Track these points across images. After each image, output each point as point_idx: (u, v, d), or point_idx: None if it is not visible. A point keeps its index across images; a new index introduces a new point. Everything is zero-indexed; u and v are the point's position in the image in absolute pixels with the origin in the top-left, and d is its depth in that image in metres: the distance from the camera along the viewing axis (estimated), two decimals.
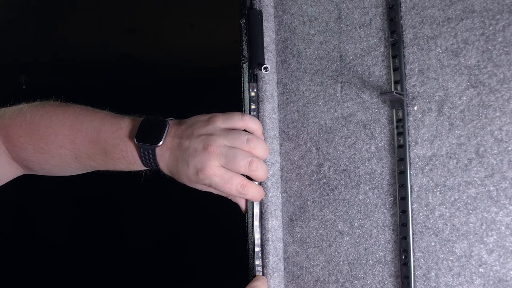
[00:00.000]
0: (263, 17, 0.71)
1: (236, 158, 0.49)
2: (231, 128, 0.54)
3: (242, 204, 0.60)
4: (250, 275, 0.67)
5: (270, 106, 0.70)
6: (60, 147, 0.53)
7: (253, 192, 0.52)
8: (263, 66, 0.59)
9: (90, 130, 0.53)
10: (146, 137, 0.50)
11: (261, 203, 0.68)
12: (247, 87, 0.68)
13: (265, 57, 0.70)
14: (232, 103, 0.69)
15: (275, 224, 0.69)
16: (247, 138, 0.51)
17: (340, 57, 0.63)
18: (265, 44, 0.70)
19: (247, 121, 0.54)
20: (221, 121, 0.54)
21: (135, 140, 0.50)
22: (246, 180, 0.51)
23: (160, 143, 0.50)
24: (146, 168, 0.55)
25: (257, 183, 0.58)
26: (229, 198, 0.58)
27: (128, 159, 0.52)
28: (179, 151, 0.50)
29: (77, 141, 0.53)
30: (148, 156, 0.51)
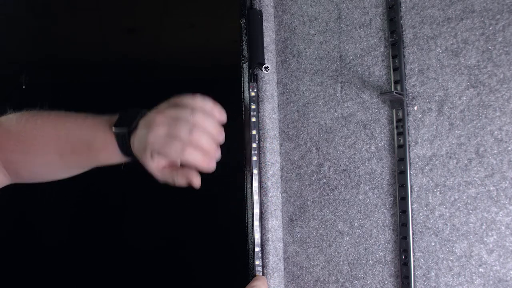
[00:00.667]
0: (263, 17, 0.71)
1: (177, 125, 0.52)
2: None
3: (195, 179, 0.56)
4: (250, 275, 0.67)
5: (270, 106, 0.70)
6: (44, 145, 0.57)
7: (195, 156, 0.52)
8: (264, 66, 0.59)
9: (73, 127, 0.57)
10: (122, 123, 0.54)
11: (261, 203, 0.68)
12: (247, 87, 0.68)
13: (265, 57, 0.70)
14: (232, 103, 0.69)
15: (275, 224, 0.69)
16: (192, 110, 0.53)
17: (340, 57, 0.63)
18: (265, 44, 0.70)
19: (196, 101, 0.55)
20: (174, 99, 0.57)
21: (113, 128, 0.53)
22: (188, 145, 0.52)
23: (132, 126, 0.53)
24: (125, 159, 0.56)
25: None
26: (183, 181, 0.56)
27: (107, 148, 0.55)
28: (139, 129, 0.54)
29: (61, 139, 0.57)
30: (123, 141, 0.54)
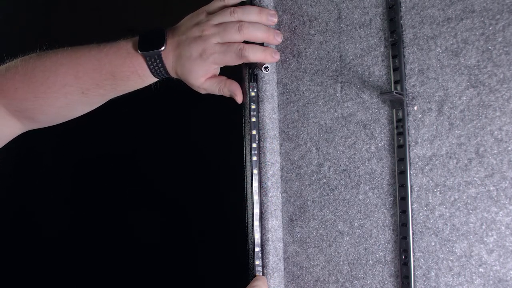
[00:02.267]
0: None
1: (227, 29, 0.54)
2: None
3: (238, 93, 0.60)
4: (250, 275, 0.67)
5: (270, 106, 0.70)
6: (63, 85, 0.53)
7: (254, 51, 0.54)
8: (264, 66, 0.60)
9: (90, 59, 0.54)
10: (150, 45, 0.53)
11: (261, 203, 0.68)
12: (247, 87, 0.68)
13: None
14: (232, 103, 0.69)
15: (275, 224, 0.69)
16: (230, 11, 0.54)
17: (340, 57, 0.63)
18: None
19: (227, 1, 0.56)
20: (205, 8, 0.57)
21: (139, 51, 0.52)
22: (243, 44, 0.53)
23: (163, 47, 0.53)
24: (155, 80, 0.56)
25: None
26: (227, 92, 0.58)
27: (137, 73, 0.53)
28: (181, 47, 0.53)
29: (80, 74, 0.53)
30: (156, 63, 0.53)
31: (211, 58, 0.52)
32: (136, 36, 0.55)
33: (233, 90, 0.57)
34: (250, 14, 0.55)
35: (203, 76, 0.54)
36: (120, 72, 0.53)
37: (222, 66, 0.55)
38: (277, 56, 0.56)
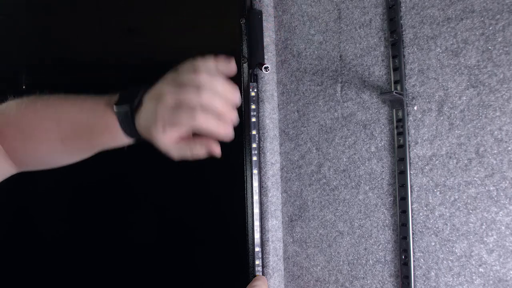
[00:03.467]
0: (263, 17, 0.71)
1: (184, 90, 0.49)
2: None
3: (210, 146, 0.52)
4: (250, 275, 0.67)
5: (270, 106, 0.70)
6: (46, 130, 0.55)
7: (209, 121, 0.49)
8: (264, 66, 0.59)
9: (74, 110, 0.55)
10: (124, 101, 0.52)
11: (261, 203, 0.68)
12: (247, 87, 0.68)
13: (265, 57, 0.70)
14: None
15: (275, 224, 0.69)
16: (195, 71, 0.50)
17: (340, 57, 0.63)
18: (265, 44, 0.70)
19: (199, 65, 0.52)
20: (178, 75, 0.54)
21: (114, 107, 0.51)
22: (199, 110, 0.49)
23: (135, 103, 0.51)
24: (130, 140, 0.54)
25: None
26: (202, 150, 0.52)
27: (110, 129, 0.53)
28: (145, 106, 0.51)
29: (62, 123, 0.55)
30: (126, 120, 0.52)
31: (160, 118, 0.49)
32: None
33: (207, 146, 0.52)
34: (217, 82, 0.52)
35: (164, 138, 0.50)
36: (96, 126, 0.54)
37: (174, 130, 0.51)
38: (229, 130, 0.53)
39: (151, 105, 0.50)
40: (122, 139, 0.54)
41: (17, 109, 0.56)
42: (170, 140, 0.50)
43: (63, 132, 0.55)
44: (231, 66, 0.52)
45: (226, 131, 0.50)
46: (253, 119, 0.68)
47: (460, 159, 0.49)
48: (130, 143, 0.56)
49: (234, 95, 0.51)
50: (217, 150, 0.52)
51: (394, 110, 0.55)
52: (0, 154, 0.56)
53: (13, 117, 0.55)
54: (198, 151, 0.51)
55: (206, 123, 0.48)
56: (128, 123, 0.52)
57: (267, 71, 0.59)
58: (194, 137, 0.52)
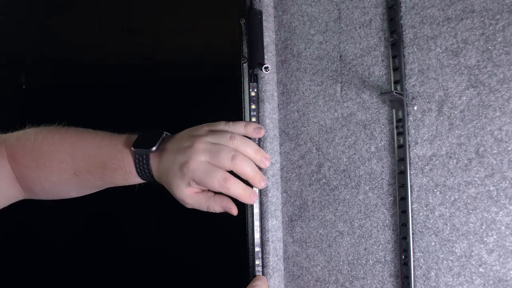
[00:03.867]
0: (263, 17, 0.71)
1: (220, 152, 0.51)
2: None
3: (232, 207, 0.56)
4: (250, 275, 0.67)
5: (270, 106, 0.70)
6: (60, 162, 0.56)
7: (236, 187, 0.51)
8: (264, 66, 0.59)
9: (91, 146, 0.56)
10: (142, 144, 0.52)
11: (261, 203, 0.68)
12: (247, 87, 0.68)
13: (265, 57, 0.70)
14: (232, 103, 0.69)
15: (275, 224, 0.69)
16: (231, 136, 0.53)
17: (340, 57, 0.63)
18: (265, 44, 0.70)
19: (232, 127, 0.55)
20: (207, 126, 0.56)
21: (132, 147, 0.52)
22: (229, 175, 0.51)
23: (154, 148, 0.52)
24: (140, 181, 0.56)
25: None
26: (219, 208, 0.55)
27: (124, 168, 0.54)
28: (169, 153, 0.53)
29: (77, 157, 0.56)
30: (142, 162, 0.53)
31: (191, 173, 0.50)
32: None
33: (225, 206, 0.54)
34: (247, 147, 0.54)
35: (185, 189, 0.52)
36: (110, 163, 0.55)
37: (200, 187, 0.52)
38: (255, 198, 0.55)
39: (178, 156, 0.50)
40: (134, 179, 0.56)
41: (35, 139, 0.56)
42: (190, 193, 0.52)
43: (76, 166, 0.55)
44: (262, 132, 0.54)
45: (252, 199, 0.53)
46: (253, 119, 0.68)
47: (460, 159, 0.49)
48: (140, 182, 0.57)
49: (265, 160, 0.53)
50: (234, 211, 0.54)
51: (394, 110, 0.55)
52: (10, 180, 0.57)
53: (29, 146, 0.56)
54: (215, 208, 0.53)
55: (234, 189, 0.51)
56: (144, 167, 0.53)
57: (267, 71, 0.60)
58: (214, 194, 0.54)
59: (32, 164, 0.56)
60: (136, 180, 0.56)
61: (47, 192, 0.59)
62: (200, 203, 0.53)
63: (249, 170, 0.52)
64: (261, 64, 0.62)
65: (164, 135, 0.55)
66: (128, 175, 0.54)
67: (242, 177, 0.53)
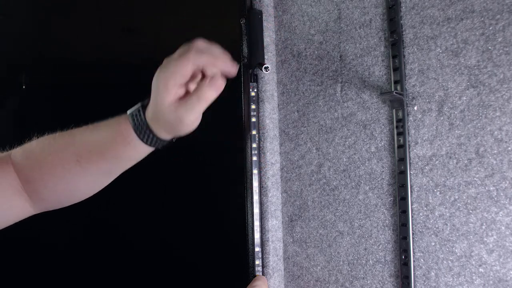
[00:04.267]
0: (263, 17, 0.71)
1: (179, 53, 0.50)
2: None
3: (231, 67, 0.52)
4: (250, 275, 0.67)
5: (270, 106, 0.70)
6: (61, 151, 0.55)
7: (205, 57, 0.49)
8: (264, 66, 0.59)
9: (88, 130, 0.56)
10: (135, 109, 0.53)
11: (261, 203, 0.68)
12: (247, 87, 0.68)
13: (265, 57, 0.70)
14: (232, 103, 0.69)
15: (275, 224, 0.69)
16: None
17: (340, 57, 0.63)
18: (265, 44, 0.70)
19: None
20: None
21: (127, 113, 0.53)
22: (195, 51, 0.50)
23: (145, 101, 0.52)
24: (144, 148, 0.54)
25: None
26: (213, 88, 0.50)
27: (122, 133, 0.53)
28: (152, 89, 0.52)
29: (76, 143, 0.55)
30: (137, 118, 0.52)
31: (160, 75, 0.49)
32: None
33: (215, 82, 0.50)
34: (211, 48, 0.53)
35: (166, 100, 0.49)
36: (109, 136, 0.54)
37: (176, 80, 0.51)
38: (234, 67, 0.52)
39: (154, 88, 0.50)
40: (138, 149, 0.54)
41: (37, 142, 0.57)
42: (174, 96, 0.49)
43: (77, 151, 0.55)
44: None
45: (228, 63, 0.50)
46: (253, 119, 0.68)
47: (460, 159, 0.49)
48: (148, 152, 0.55)
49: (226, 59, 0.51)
50: (234, 68, 0.51)
51: (394, 110, 0.55)
52: (15, 189, 0.57)
53: (31, 148, 0.57)
54: (206, 92, 0.49)
55: (203, 58, 0.49)
56: (140, 122, 0.52)
57: (267, 71, 0.59)
58: (199, 81, 0.52)
59: (35, 164, 0.56)
60: (141, 149, 0.54)
61: (52, 192, 0.58)
62: (188, 101, 0.50)
63: (206, 55, 0.51)
64: (261, 64, 0.62)
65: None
66: (127, 140, 0.52)
67: (202, 62, 0.50)
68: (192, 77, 0.51)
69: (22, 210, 0.58)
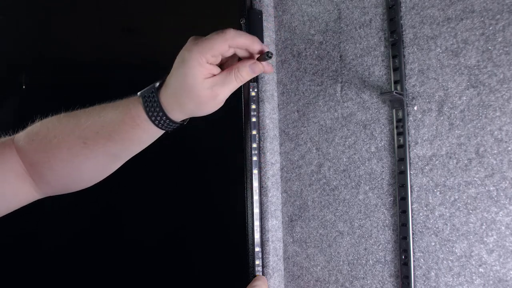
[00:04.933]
0: (263, 17, 0.71)
1: (210, 35, 0.49)
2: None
3: (266, 67, 0.52)
4: (250, 275, 0.67)
5: (270, 106, 0.70)
6: (67, 134, 0.53)
7: (237, 31, 0.49)
8: (266, 52, 0.56)
9: (94, 111, 0.54)
10: (147, 87, 0.51)
11: (261, 203, 0.68)
12: (247, 87, 0.68)
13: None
14: (232, 103, 0.69)
15: (275, 224, 0.69)
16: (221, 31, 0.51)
17: (340, 57, 0.63)
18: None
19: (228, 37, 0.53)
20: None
21: (138, 94, 0.51)
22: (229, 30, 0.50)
23: (158, 83, 0.51)
24: (154, 130, 0.53)
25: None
26: (247, 71, 0.51)
27: (131, 115, 0.51)
28: (172, 75, 0.51)
29: (83, 125, 0.53)
30: (150, 100, 0.50)
31: (193, 50, 0.48)
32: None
33: (251, 66, 0.50)
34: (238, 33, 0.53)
35: (200, 75, 0.49)
36: (117, 117, 0.52)
37: (211, 56, 0.50)
38: (266, 47, 0.52)
39: (177, 71, 0.49)
40: (147, 132, 0.52)
41: (41, 124, 0.55)
42: (209, 69, 0.49)
43: (84, 133, 0.53)
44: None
45: (260, 42, 0.50)
46: (253, 119, 0.68)
47: (460, 159, 0.49)
48: (157, 136, 0.54)
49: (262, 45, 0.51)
50: (269, 67, 0.52)
51: (394, 110, 0.55)
52: (19, 174, 0.55)
53: (35, 131, 0.55)
54: (243, 73, 0.50)
55: (239, 35, 0.49)
56: (153, 104, 0.50)
57: (270, 57, 0.56)
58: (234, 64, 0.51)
59: (40, 147, 0.54)
60: (151, 131, 0.52)
61: (58, 177, 0.56)
62: (226, 78, 0.50)
63: (245, 34, 0.51)
64: (263, 55, 0.58)
65: (166, 74, 0.53)
66: (136, 122, 0.51)
67: (239, 44, 0.50)
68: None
69: (27, 194, 0.56)
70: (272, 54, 0.51)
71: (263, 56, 0.52)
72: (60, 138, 0.53)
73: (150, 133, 0.53)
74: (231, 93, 0.51)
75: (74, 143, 0.53)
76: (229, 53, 0.51)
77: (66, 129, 0.54)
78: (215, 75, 0.50)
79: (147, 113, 0.51)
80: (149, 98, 0.51)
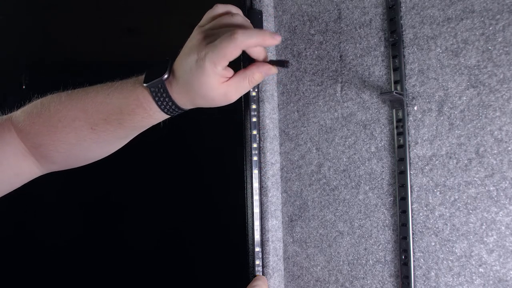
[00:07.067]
0: (263, 17, 0.71)
1: (218, 33, 0.51)
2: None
3: (267, 68, 0.53)
4: (250, 275, 0.67)
5: (270, 106, 0.70)
6: (73, 119, 0.53)
7: (248, 34, 0.49)
8: (285, 61, 0.56)
9: (100, 93, 0.54)
10: (153, 77, 0.51)
11: (261, 203, 0.68)
12: None
13: None
14: (232, 103, 0.69)
15: (275, 224, 0.69)
16: (220, 18, 0.52)
17: (340, 57, 0.63)
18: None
19: (216, 10, 0.54)
20: (198, 25, 0.55)
21: (144, 84, 0.51)
22: (233, 28, 0.51)
23: (166, 74, 0.51)
24: (166, 116, 0.54)
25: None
26: (259, 74, 0.53)
27: (142, 106, 0.52)
28: (180, 68, 0.51)
29: (90, 110, 0.53)
30: (160, 93, 0.51)
31: (206, 59, 0.49)
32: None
33: (262, 69, 0.52)
34: (240, 18, 0.54)
35: (215, 83, 0.50)
36: (126, 105, 0.52)
37: (225, 64, 0.51)
38: (278, 37, 0.53)
39: (185, 64, 0.50)
40: (157, 116, 0.53)
41: (41, 104, 0.54)
42: (222, 75, 0.50)
43: (92, 119, 0.53)
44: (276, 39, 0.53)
45: (274, 37, 0.50)
46: (254, 119, 0.68)
47: (460, 159, 0.49)
48: (163, 119, 0.55)
49: (274, 35, 0.52)
50: (274, 70, 0.53)
51: (394, 110, 0.55)
52: (20, 155, 0.55)
53: (36, 112, 0.54)
54: (255, 76, 0.52)
55: (249, 38, 0.50)
56: (163, 97, 0.51)
57: (287, 67, 0.57)
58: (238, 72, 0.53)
59: (44, 129, 0.54)
60: (161, 116, 0.53)
61: (64, 158, 0.56)
62: (239, 83, 0.52)
63: (255, 33, 0.51)
64: (281, 61, 0.58)
65: (171, 61, 0.53)
66: (149, 113, 0.52)
67: (251, 45, 0.51)
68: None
69: (29, 172, 0.57)
70: (291, 64, 0.52)
71: (280, 62, 0.53)
72: (66, 123, 0.53)
73: (159, 118, 0.55)
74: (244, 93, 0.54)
75: (82, 128, 0.53)
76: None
77: (70, 113, 0.54)
78: (229, 77, 0.52)
79: (159, 106, 0.52)
80: (159, 91, 0.52)
